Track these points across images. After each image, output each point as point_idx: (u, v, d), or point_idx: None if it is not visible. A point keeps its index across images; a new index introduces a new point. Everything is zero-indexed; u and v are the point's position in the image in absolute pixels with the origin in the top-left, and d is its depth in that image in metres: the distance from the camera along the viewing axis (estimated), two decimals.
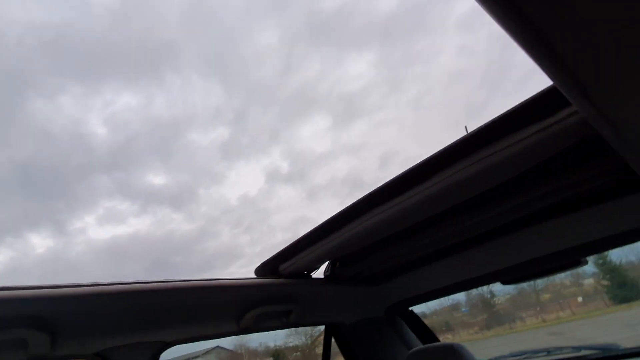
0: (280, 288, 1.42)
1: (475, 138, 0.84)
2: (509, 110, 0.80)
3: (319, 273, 1.57)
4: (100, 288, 0.98)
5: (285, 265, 1.37)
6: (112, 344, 1.10)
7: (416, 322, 1.97)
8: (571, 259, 1.39)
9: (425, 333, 1.96)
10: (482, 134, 0.83)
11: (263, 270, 1.39)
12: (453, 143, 0.85)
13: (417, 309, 2.01)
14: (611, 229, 1.25)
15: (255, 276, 1.37)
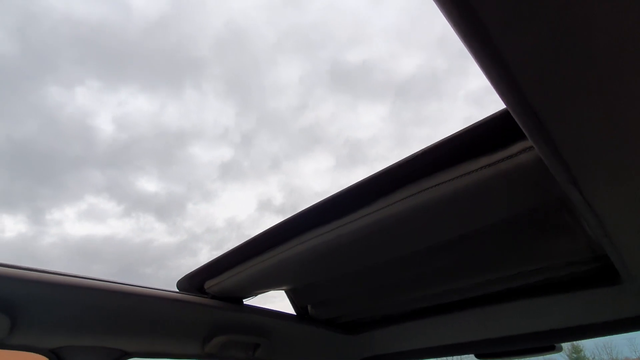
0: (252, 318, 1.26)
1: (415, 164, 0.72)
2: (456, 133, 0.66)
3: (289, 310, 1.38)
4: (69, 279, 0.89)
5: (211, 282, 1.13)
6: (70, 342, 0.99)
7: None
8: (546, 342, 1.32)
9: None
10: (423, 161, 0.71)
11: (187, 283, 1.15)
12: (392, 166, 0.74)
13: None
14: (589, 318, 1.21)
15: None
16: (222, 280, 1.13)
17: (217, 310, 1.19)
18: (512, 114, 0.47)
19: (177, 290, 1.16)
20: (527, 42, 0.37)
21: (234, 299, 1.22)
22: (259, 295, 1.27)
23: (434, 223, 0.83)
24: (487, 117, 0.64)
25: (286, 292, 1.37)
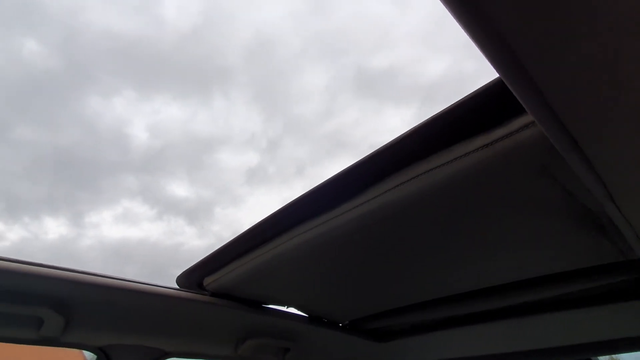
0: (282, 322, 1.29)
1: (403, 148, 0.65)
2: (445, 110, 0.59)
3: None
4: (116, 282, 0.96)
5: (210, 279, 1.11)
6: (116, 340, 1.07)
7: None
8: (581, 356, 1.26)
9: None
10: (412, 143, 0.64)
11: (186, 279, 1.14)
12: (377, 151, 0.67)
13: None
14: (626, 331, 1.16)
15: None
16: (220, 277, 1.10)
17: (244, 313, 1.21)
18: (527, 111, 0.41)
19: (211, 294, 1.17)
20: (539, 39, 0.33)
21: (254, 302, 1.22)
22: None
23: (430, 214, 0.73)
24: (479, 89, 0.56)
25: (296, 304, 1.30)
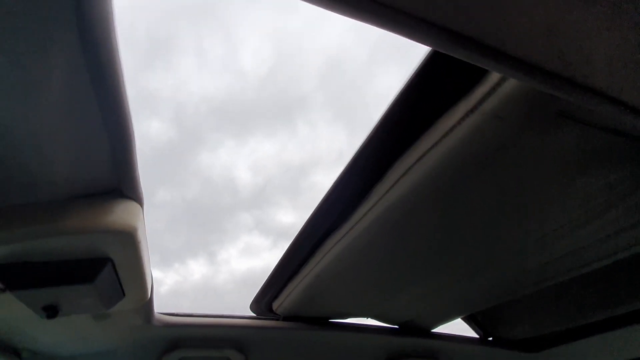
0: (427, 343, 1.26)
1: (379, 141, 0.56)
2: (411, 77, 0.48)
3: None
4: (276, 323, 1.11)
5: (277, 303, 1.10)
6: None
7: None
8: None
9: None
10: (389, 132, 0.54)
11: (256, 305, 1.14)
12: (359, 151, 0.60)
13: None
14: None
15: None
16: (284, 300, 1.08)
17: (401, 337, 1.24)
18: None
19: (283, 318, 1.18)
20: None
21: (320, 319, 1.19)
22: None
23: (442, 204, 0.63)
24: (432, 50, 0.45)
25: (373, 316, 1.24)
